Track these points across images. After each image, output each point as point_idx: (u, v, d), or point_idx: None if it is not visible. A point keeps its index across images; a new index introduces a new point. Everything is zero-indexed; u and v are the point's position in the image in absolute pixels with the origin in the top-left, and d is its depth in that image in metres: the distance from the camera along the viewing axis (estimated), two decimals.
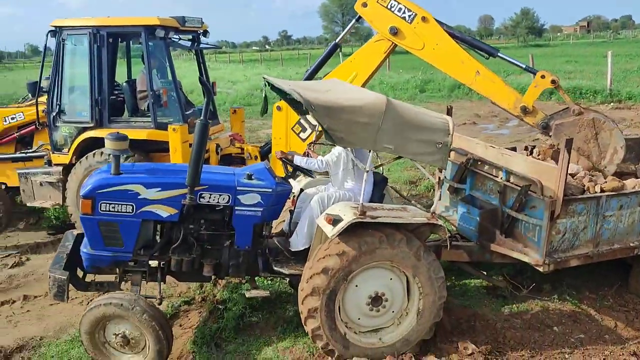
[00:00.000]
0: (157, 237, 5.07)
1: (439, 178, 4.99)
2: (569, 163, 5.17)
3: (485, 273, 6.21)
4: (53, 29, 7.42)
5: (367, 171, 4.64)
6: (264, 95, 5.76)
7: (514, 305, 5.84)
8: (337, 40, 7.52)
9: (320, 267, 4.56)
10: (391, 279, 4.81)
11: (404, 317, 4.91)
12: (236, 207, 4.86)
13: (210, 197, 4.81)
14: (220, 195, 4.82)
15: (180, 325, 5.80)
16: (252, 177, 4.92)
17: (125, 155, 5.43)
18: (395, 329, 4.92)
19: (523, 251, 5.51)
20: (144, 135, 7.20)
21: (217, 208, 4.91)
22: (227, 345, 5.27)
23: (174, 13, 8.55)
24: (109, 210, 4.69)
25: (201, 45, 8.25)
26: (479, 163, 6.04)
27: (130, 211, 4.71)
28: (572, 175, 5.86)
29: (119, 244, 4.80)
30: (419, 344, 4.94)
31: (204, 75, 8.41)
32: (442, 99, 23.11)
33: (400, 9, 6.59)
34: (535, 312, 5.69)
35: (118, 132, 4.73)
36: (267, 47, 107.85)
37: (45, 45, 7.51)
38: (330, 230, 4.51)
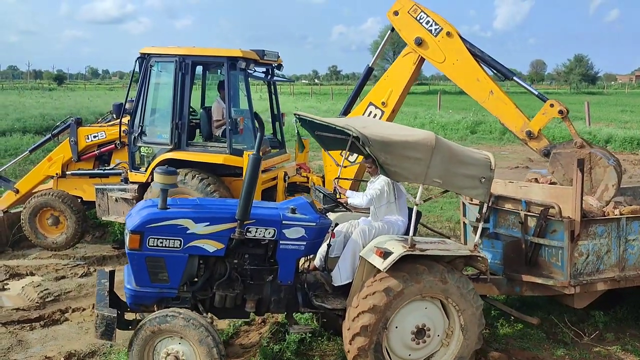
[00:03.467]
0: (200, 273, 5.00)
1: (479, 214, 5.17)
2: (583, 182, 5.39)
3: (513, 310, 6.24)
4: (141, 55, 7.92)
5: (417, 204, 4.75)
6: (296, 132, 5.92)
7: (575, 351, 5.79)
8: (370, 64, 7.91)
9: (358, 326, 4.65)
10: (426, 307, 4.88)
11: (451, 337, 4.99)
12: (281, 241, 4.86)
13: (256, 231, 4.80)
14: (266, 229, 4.81)
15: (241, 345, 5.97)
16: (296, 211, 4.94)
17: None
18: (446, 350, 5.00)
19: (548, 276, 5.64)
20: (220, 160, 7.53)
21: (262, 242, 4.91)
22: None
23: (230, 45, 9.05)
24: (157, 246, 4.60)
25: (275, 78, 8.64)
26: (500, 200, 6.18)
27: (178, 246, 4.64)
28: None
29: (165, 279, 4.71)
30: (473, 355, 5.02)
31: (276, 106, 8.79)
32: (493, 141, 23.00)
33: (428, 21, 6.96)
34: None
35: (167, 167, 4.72)
36: (316, 80, 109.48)
37: (133, 70, 8.01)
38: (381, 263, 4.62)
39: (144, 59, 7.90)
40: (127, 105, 8.28)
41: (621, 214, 5.72)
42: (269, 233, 4.83)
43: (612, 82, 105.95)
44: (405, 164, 4.64)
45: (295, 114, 5.63)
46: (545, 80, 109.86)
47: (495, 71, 7.05)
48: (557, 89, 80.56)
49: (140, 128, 7.96)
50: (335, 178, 5.95)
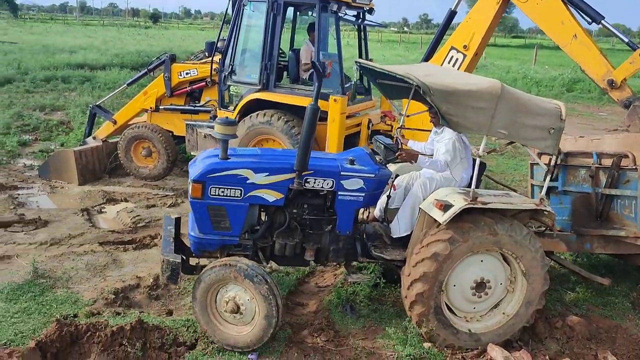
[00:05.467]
0: (261, 222, 5.09)
1: (546, 167, 4.92)
2: None
3: (582, 270, 5.99)
4: None
5: (479, 156, 4.59)
6: (355, 80, 5.73)
7: None
8: (453, 7, 7.55)
9: (413, 294, 4.66)
10: (482, 260, 4.77)
11: (515, 282, 4.88)
12: (339, 192, 4.87)
13: (314, 182, 4.81)
14: (324, 180, 4.81)
15: (316, 284, 6.16)
16: (355, 162, 4.92)
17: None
18: (512, 296, 4.90)
19: (620, 229, 5.41)
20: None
21: (320, 193, 4.92)
22: (360, 310, 5.54)
23: None
24: (218, 195, 4.69)
25: (365, 22, 8.46)
26: (569, 157, 5.86)
27: (239, 195, 4.72)
28: None
29: (227, 227, 4.81)
30: (543, 295, 4.88)
31: (365, 52, 8.65)
32: (592, 101, 21.55)
33: None
34: None
35: (227, 117, 4.66)
36: (405, 29, 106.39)
37: (227, 9, 8.10)
38: (441, 216, 4.54)
39: None
40: (219, 44, 8.43)
41: None
42: (327, 184, 4.84)
43: None
44: (468, 114, 4.45)
45: (355, 62, 5.48)
46: None
47: (581, 13, 6.55)
48: None
49: (230, 67, 8.10)
50: (398, 127, 5.83)
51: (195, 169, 4.77)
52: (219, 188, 4.68)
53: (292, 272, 6.19)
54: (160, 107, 9.15)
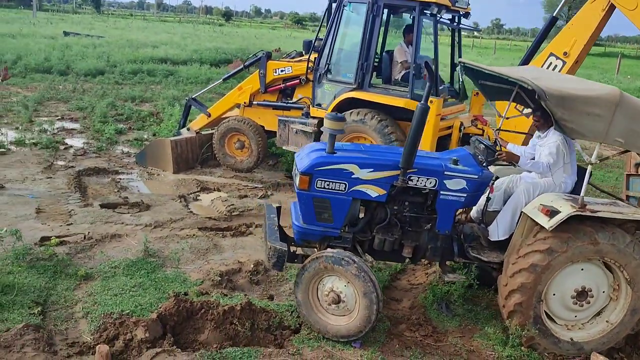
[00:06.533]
0: (361, 216, 5.19)
1: None
2: None
3: None
4: None
5: (592, 164, 4.55)
6: (461, 80, 5.73)
7: None
8: (554, 13, 7.58)
9: (511, 304, 4.70)
10: (582, 269, 4.72)
11: (619, 290, 4.81)
12: (441, 192, 4.90)
13: (417, 180, 4.87)
14: (427, 179, 4.86)
15: (408, 281, 6.27)
16: (458, 163, 4.94)
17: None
18: (616, 304, 4.84)
19: None
20: (401, 104, 7.65)
21: (422, 191, 4.98)
22: (455, 309, 5.61)
23: None
24: (324, 188, 4.82)
25: (461, 26, 8.49)
26: None
27: (343, 189, 4.84)
28: None
29: (329, 219, 4.94)
30: None
31: (458, 55, 8.67)
32: None
33: None
34: None
35: (337, 113, 4.74)
36: (475, 33, 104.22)
37: (327, 9, 8.33)
38: (546, 222, 4.52)
39: None
40: (316, 43, 8.65)
41: None
42: (430, 183, 4.89)
43: None
44: (585, 121, 4.41)
45: (460, 62, 5.53)
46: None
47: None
48: None
49: (326, 66, 8.32)
50: (497, 129, 5.84)
51: (303, 162, 4.93)
52: (325, 181, 4.83)
53: (384, 268, 6.32)
54: (254, 102, 9.49)
